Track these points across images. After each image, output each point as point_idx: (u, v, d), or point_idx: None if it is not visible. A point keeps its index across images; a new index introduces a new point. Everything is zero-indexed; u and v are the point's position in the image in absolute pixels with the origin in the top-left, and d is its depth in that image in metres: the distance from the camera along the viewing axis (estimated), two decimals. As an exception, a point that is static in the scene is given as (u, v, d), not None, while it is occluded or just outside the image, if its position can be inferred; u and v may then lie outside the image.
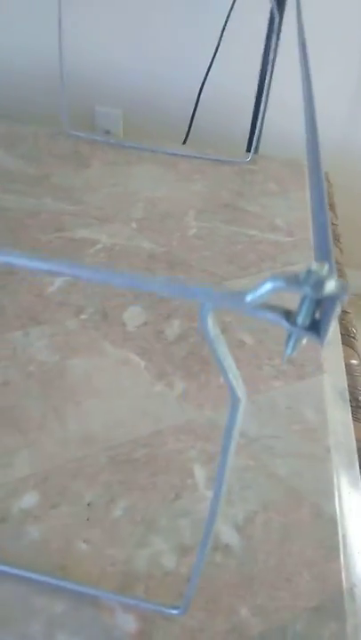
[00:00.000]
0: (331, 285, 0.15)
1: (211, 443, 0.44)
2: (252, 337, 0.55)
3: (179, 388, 0.49)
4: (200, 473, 0.42)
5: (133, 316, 0.56)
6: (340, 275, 0.71)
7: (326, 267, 0.15)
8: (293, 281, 0.15)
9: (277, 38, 0.92)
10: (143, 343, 0.53)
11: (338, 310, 0.15)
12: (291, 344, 0.18)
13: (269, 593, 0.36)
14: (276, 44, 0.92)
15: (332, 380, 0.53)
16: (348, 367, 0.56)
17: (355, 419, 0.50)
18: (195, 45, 1.23)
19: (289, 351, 0.18)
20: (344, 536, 0.39)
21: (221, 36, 1.07)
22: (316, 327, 0.16)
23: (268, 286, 0.15)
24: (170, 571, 0.36)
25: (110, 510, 0.39)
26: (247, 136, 1.07)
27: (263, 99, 0.90)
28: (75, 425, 0.44)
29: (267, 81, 0.91)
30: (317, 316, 0.17)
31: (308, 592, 0.36)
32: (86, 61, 1.31)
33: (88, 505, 0.39)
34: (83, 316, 0.55)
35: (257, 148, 0.96)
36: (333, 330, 0.60)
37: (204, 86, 1.16)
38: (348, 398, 0.52)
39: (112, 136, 0.99)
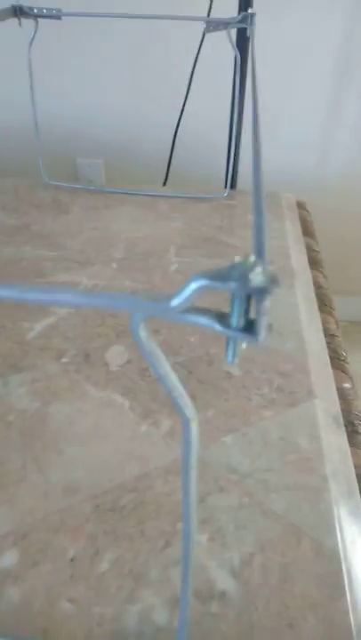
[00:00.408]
0: (257, 277, 0.14)
1: (201, 481, 0.42)
2: (239, 367, 0.54)
3: (165, 426, 0.47)
4: (191, 515, 0.40)
5: (116, 355, 0.55)
6: (326, 300, 0.70)
7: (252, 258, 0.14)
8: (218, 277, 0.14)
9: (243, 81, 0.95)
10: (127, 382, 0.51)
11: (267, 304, 0.14)
12: (230, 350, 0.17)
13: (272, 643, 0.33)
14: (243, 86, 0.95)
15: (325, 405, 0.51)
16: (341, 391, 0.54)
17: (351, 444, 0.48)
18: (167, 91, 1.28)
19: (229, 359, 0.17)
20: (348, 571, 0.37)
21: (190, 80, 1.11)
22: (251, 327, 0.15)
23: (192, 286, 0.14)
24: (162, 627, 0.33)
25: (95, 564, 0.36)
26: (225, 173, 1.09)
27: (235, 136, 0.92)
28: (57, 474, 0.42)
29: (236, 120, 0.93)
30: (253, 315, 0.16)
31: (313, 638, 0.33)
32: (64, 117, 1.35)
33: (71, 560, 0.36)
34: (64, 360, 0.54)
35: (234, 183, 0.98)
36: (319, 352, 0.59)
37: (180, 129, 1.20)
38: (342, 423, 0.50)
39: (93, 184, 1.00)
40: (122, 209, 0.85)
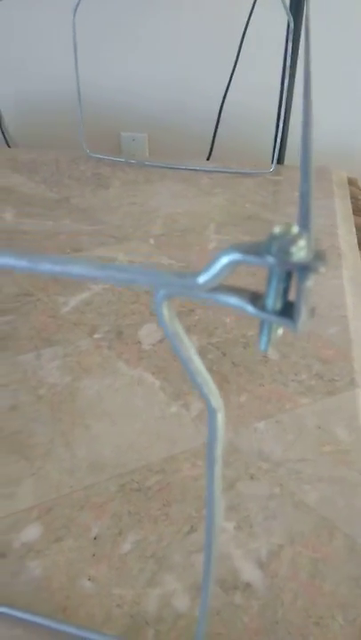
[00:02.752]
0: (300, 252, 0.12)
1: (230, 468, 0.40)
2: (277, 351, 0.51)
3: (196, 408, 0.45)
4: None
5: (149, 333, 0.53)
6: (374, 282, 0.66)
7: (294, 229, 0.12)
8: (253, 251, 0.12)
9: (295, 49, 0.89)
10: (159, 361, 0.50)
11: (310, 284, 0.12)
12: (264, 335, 0.14)
13: (296, 639, 0.31)
14: (295, 54, 0.89)
15: (367, 396, 0.48)
16: (385, 381, 0.51)
17: (394, 438, 0.45)
18: (215, 61, 1.23)
19: (263, 346, 0.14)
20: (384, 574, 0.34)
21: (239, 50, 1.06)
22: (289, 310, 0.13)
23: (223, 261, 0.12)
24: (183, 613, 0.32)
25: (118, 544, 0.35)
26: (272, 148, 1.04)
27: (284, 109, 0.87)
28: (83, 451, 0.41)
29: (286, 91, 0.89)
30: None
31: (342, 639, 0.31)
32: (108, 90, 1.33)
33: (94, 539, 0.36)
34: (96, 336, 0.53)
35: (281, 158, 0.94)
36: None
37: (226, 102, 1.15)
38: (385, 415, 0.47)
39: (136, 158, 0.98)
40: (162, 184, 0.83)
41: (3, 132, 1.34)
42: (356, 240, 0.73)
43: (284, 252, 0.11)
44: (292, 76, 0.90)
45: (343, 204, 0.80)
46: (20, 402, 0.45)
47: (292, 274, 0.13)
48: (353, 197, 0.86)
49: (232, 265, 0.12)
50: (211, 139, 1.16)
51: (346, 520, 0.37)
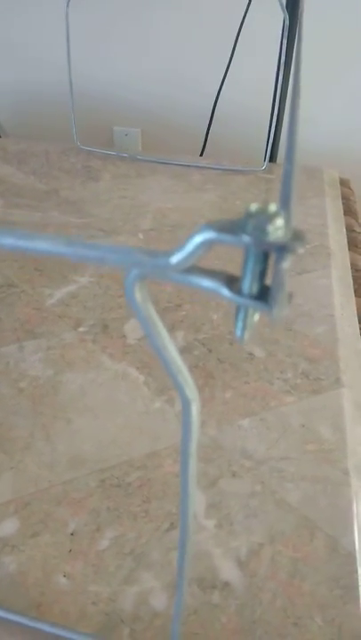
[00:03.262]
0: (277, 230, 0.11)
1: (212, 465, 0.40)
2: (262, 349, 0.51)
3: (180, 404, 0.45)
4: (199, 499, 0.38)
5: (135, 327, 0.52)
6: (363, 283, 0.66)
7: (271, 207, 0.11)
8: (228, 229, 0.11)
9: (290, 47, 0.89)
10: (144, 356, 0.49)
11: (287, 266, 0.11)
12: (239, 321, 0.14)
13: (274, 639, 0.31)
14: (290, 52, 0.89)
15: (353, 395, 0.48)
16: (371, 381, 0.51)
17: (378, 438, 0.44)
18: (210, 57, 1.22)
19: (239, 332, 0.14)
20: (364, 574, 0.34)
21: (234, 47, 1.05)
22: (266, 295, 0.12)
23: (196, 240, 0.12)
24: (159, 612, 0.32)
25: (96, 541, 0.35)
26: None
27: (278, 106, 0.87)
28: (64, 445, 0.41)
29: (280, 89, 0.88)
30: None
31: (320, 639, 0.31)
32: (103, 83, 1.32)
33: (71, 534, 0.35)
34: (81, 329, 0.52)
35: (274, 156, 0.93)
36: (352, 339, 0.55)
37: (221, 99, 1.15)
38: (370, 415, 0.46)
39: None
40: (153, 178, 0.82)
41: (-6, 123, 1.33)
42: (345, 240, 0.73)
43: (260, 231, 0.11)
44: (287, 73, 0.89)
45: (334, 204, 0.79)
46: (1, 394, 0.45)
47: (269, 255, 0.12)
48: (345, 198, 0.86)
49: (206, 244, 0.12)
50: (205, 134, 1.15)
51: (328, 520, 0.37)
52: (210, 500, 0.37)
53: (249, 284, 0.12)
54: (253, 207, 0.11)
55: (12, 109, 1.39)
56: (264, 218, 0.11)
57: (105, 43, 1.27)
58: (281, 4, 0.79)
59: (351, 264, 0.69)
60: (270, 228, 0.11)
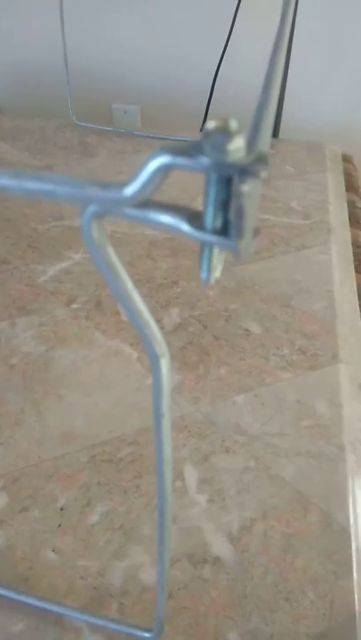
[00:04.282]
0: (237, 150, 0.10)
1: (205, 441, 0.39)
2: (259, 325, 0.50)
3: (174, 380, 0.44)
4: (191, 474, 0.37)
5: (129, 304, 0.51)
6: (364, 259, 0.64)
7: (232, 124, 0.10)
8: (184, 152, 0.10)
9: (292, 22, 0.86)
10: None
11: (248, 190, 0.10)
12: (203, 262, 0.13)
13: (265, 615, 0.30)
14: (290, 27, 0.86)
15: (350, 371, 0.47)
16: (370, 357, 0.49)
17: (375, 414, 0.44)
18: (209, 34, 1.19)
19: (204, 273, 0.13)
20: (358, 549, 0.33)
21: (233, 24, 1.02)
22: (227, 228, 0.11)
23: (151, 167, 0.11)
24: (148, 587, 0.31)
25: (85, 515, 0.34)
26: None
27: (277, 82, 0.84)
28: (55, 421, 0.40)
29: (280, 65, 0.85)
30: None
31: (311, 615, 0.30)
32: (101, 60, 1.29)
33: (61, 509, 0.34)
34: (74, 306, 0.51)
35: (275, 131, 0.91)
36: (350, 315, 0.54)
37: (220, 75, 1.12)
38: (367, 391, 0.45)
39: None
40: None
41: (-10, 101, 1.30)
42: (347, 216, 0.71)
43: (218, 151, 0.10)
44: (288, 50, 0.87)
45: (336, 180, 0.77)
46: (-8, 370, 0.44)
47: (232, 181, 0.11)
48: (347, 174, 0.84)
49: (162, 170, 0.11)
50: (205, 112, 1.12)
51: (322, 496, 0.36)
52: (202, 476, 0.37)
53: (211, 218, 0.11)
54: (211, 124, 0.10)
55: (9, 91, 1.36)
56: (223, 136, 0.10)
57: (103, 20, 1.24)
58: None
59: (352, 240, 0.68)
60: (230, 148, 0.10)
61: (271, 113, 0.14)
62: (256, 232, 0.11)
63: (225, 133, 0.10)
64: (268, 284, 0.55)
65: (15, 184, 0.11)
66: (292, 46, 0.89)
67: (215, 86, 1.10)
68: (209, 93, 1.12)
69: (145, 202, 0.11)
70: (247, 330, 0.49)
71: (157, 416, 0.16)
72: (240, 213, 0.10)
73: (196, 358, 0.46)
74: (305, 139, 1.02)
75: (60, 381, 0.43)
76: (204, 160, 0.10)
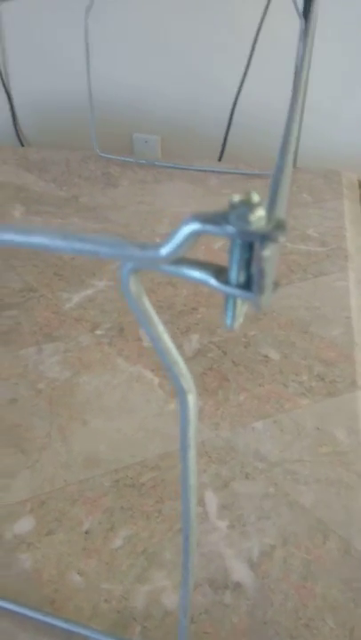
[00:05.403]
0: (259, 220, 0.11)
1: (226, 467, 0.40)
2: (278, 351, 0.51)
3: (198, 402, 0.45)
4: (212, 500, 0.38)
5: (150, 331, 0.53)
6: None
7: (255, 198, 0.12)
8: (213, 220, 0.12)
9: (309, 51, 0.89)
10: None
11: (268, 254, 0.12)
12: (229, 310, 0.14)
13: (285, 643, 0.31)
14: (309, 57, 0.89)
15: (369, 398, 0.47)
16: (388, 384, 0.50)
17: (394, 441, 0.44)
18: (228, 63, 1.23)
19: (228, 321, 0.14)
20: (378, 578, 0.34)
21: (252, 52, 1.06)
22: (250, 283, 0.13)
23: (184, 231, 0.12)
24: (170, 611, 0.32)
25: (109, 539, 0.35)
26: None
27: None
28: (80, 446, 0.41)
29: (301, 93, 0.88)
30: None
31: (332, 644, 0.30)
32: (122, 91, 1.34)
33: (86, 533, 0.36)
34: (98, 332, 0.53)
35: (293, 161, 0.93)
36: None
37: (239, 103, 1.15)
38: (386, 418, 0.46)
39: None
40: (171, 184, 0.83)
41: (17, 131, 1.36)
42: (364, 242, 0.72)
43: (242, 221, 0.11)
44: (305, 78, 0.89)
45: (352, 207, 0.79)
46: (20, 395, 0.46)
47: (254, 245, 0.12)
48: (363, 200, 0.85)
49: (193, 235, 0.12)
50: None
51: (341, 522, 0.37)
52: (223, 502, 0.38)
53: (236, 274, 0.13)
54: (236, 198, 0.12)
55: (33, 119, 1.42)
56: (246, 208, 0.11)
57: (124, 51, 1.29)
58: (297, 9, 0.79)
59: (370, 266, 0.68)
60: (252, 218, 0.11)
61: (287, 179, 0.15)
62: (275, 286, 0.12)
63: (248, 205, 0.12)
64: (286, 310, 0.57)
65: (65, 245, 0.13)
66: (309, 73, 0.92)
67: (234, 114, 1.14)
68: (228, 121, 1.15)
69: (178, 259, 0.13)
70: (266, 356, 0.51)
71: (184, 447, 0.17)
72: (261, 274, 0.12)
73: (215, 384, 0.47)
74: (321, 165, 1.04)
75: (84, 406, 0.45)
76: (230, 228, 0.11)
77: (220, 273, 0.13)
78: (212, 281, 0.13)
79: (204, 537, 0.36)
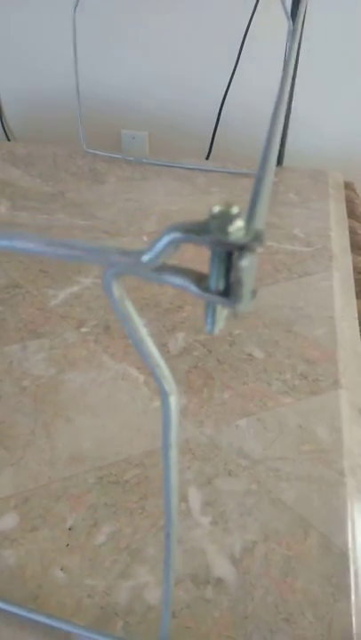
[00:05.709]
0: (237, 230, 0.12)
1: (209, 464, 0.41)
2: (262, 350, 0.51)
3: (179, 403, 0.46)
4: (195, 497, 0.38)
5: (136, 328, 0.53)
6: (365, 285, 0.66)
7: (234, 209, 0.12)
8: (193, 230, 0.12)
9: (296, 52, 0.89)
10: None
11: (246, 264, 0.12)
12: (209, 317, 0.14)
13: (265, 636, 0.31)
14: (296, 58, 0.90)
15: (351, 397, 0.48)
16: (370, 383, 0.51)
17: (374, 439, 0.45)
18: (216, 61, 1.23)
19: (208, 327, 0.15)
20: (356, 573, 0.34)
21: (240, 51, 1.06)
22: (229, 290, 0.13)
23: (165, 240, 0.12)
24: (153, 606, 0.32)
25: (93, 535, 0.35)
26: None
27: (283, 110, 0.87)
28: (64, 443, 0.41)
29: (287, 92, 0.89)
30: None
31: (310, 636, 0.31)
32: (111, 87, 1.33)
33: (69, 529, 0.36)
34: (84, 329, 0.53)
35: (279, 160, 0.94)
36: (351, 341, 0.55)
37: (227, 102, 1.16)
38: (367, 417, 0.47)
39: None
40: (158, 181, 0.83)
41: (3, 126, 1.35)
42: (348, 243, 0.73)
43: (221, 232, 0.12)
44: (293, 78, 0.90)
45: (338, 207, 0.80)
46: (4, 392, 0.46)
47: (233, 254, 0.13)
48: (349, 201, 0.86)
49: (174, 243, 0.12)
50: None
51: (322, 519, 0.37)
52: (206, 498, 0.38)
53: (215, 282, 0.13)
54: (216, 208, 0.12)
55: (20, 115, 1.40)
56: (225, 219, 0.12)
57: (112, 47, 1.29)
58: (285, 11, 0.79)
59: (354, 267, 0.69)
60: (231, 229, 0.12)
61: (268, 189, 0.16)
62: (253, 293, 0.13)
63: (227, 217, 0.12)
64: (271, 309, 0.57)
65: (50, 250, 0.13)
66: (297, 73, 0.92)
67: (222, 112, 1.14)
68: (215, 120, 1.16)
69: (160, 266, 0.13)
70: (250, 355, 0.51)
71: (166, 446, 0.17)
72: (239, 283, 0.12)
73: (200, 382, 0.48)
74: (308, 165, 1.05)
75: (69, 404, 0.45)
76: (209, 238, 0.12)
77: (200, 280, 0.13)
78: (193, 288, 0.13)
79: (187, 533, 0.36)
